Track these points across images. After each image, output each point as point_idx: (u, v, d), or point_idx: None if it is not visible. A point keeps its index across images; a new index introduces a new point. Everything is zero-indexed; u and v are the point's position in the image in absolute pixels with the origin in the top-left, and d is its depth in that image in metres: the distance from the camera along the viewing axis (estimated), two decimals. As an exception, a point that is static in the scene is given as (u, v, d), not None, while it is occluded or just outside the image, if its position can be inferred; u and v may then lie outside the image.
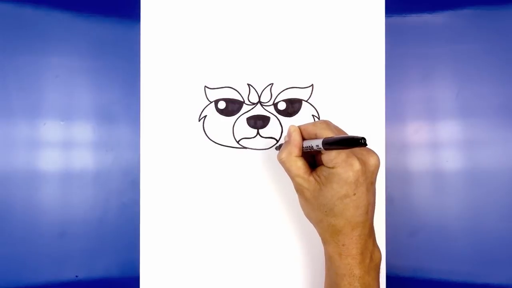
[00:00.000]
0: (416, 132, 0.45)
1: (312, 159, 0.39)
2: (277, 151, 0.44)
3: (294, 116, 0.45)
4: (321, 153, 0.36)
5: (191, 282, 0.45)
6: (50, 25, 0.45)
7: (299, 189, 0.38)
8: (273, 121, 0.45)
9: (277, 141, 0.45)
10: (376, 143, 0.44)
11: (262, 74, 0.45)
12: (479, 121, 0.45)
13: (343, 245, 0.37)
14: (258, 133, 0.45)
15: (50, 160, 0.45)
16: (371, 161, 0.36)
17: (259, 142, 0.45)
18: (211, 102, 0.45)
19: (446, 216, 0.45)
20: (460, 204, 0.45)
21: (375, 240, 0.38)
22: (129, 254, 0.44)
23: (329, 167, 0.36)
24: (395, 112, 0.45)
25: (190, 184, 0.45)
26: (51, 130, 0.45)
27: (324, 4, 0.45)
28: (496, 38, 0.45)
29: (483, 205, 0.45)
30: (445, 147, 0.45)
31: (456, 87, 0.45)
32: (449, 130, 0.45)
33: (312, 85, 0.45)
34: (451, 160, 0.45)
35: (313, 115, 0.45)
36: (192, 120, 0.45)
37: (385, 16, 0.45)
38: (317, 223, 0.39)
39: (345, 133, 0.38)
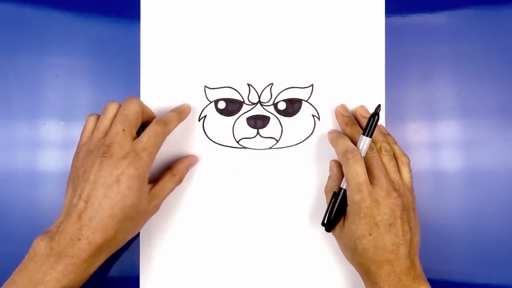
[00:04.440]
0: (416, 132, 0.45)
1: None
2: (276, 151, 0.45)
3: (294, 116, 0.45)
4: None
5: (190, 282, 0.44)
6: (50, 25, 0.45)
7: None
8: (273, 121, 0.45)
9: (277, 141, 0.45)
10: (376, 143, 0.44)
11: (262, 74, 0.45)
12: (479, 121, 0.45)
13: (375, 283, 0.37)
14: (258, 133, 0.45)
15: (50, 160, 0.45)
16: (385, 202, 0.37)
17: (259, 142, 0.45)
18: (211, 102, 0.45)
19: (446, 216, 0.45)
20: (460, 204, 0.45)
21: (420, 277, 0.37)
22: (129, 254, 0.44)
23: (347, 206, 0.38)
24: (395, 112, 0.45)
25: (190, 184, 0.45)
26: (51, 130, 0.45)
27: (324, 4, 0.45)
28: (496, 38, 0.45)
29: (483, 205, 0.45)
30: (445, 147, 0.45)
31: (456, 87, 0.45)
32: (449, 130, 0.45)
33: (312, 85, 0.45)
34: (451, 160, 0.45)
35: (313, 115, 0.45)
36: (192, 120, 0.45)
37: (385, 16, 0.45)
38: (351, 261, 0.40)
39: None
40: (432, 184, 0.45)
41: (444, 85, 0.45)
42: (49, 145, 0.45)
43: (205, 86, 0.45)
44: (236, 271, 0.45)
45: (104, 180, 0.35)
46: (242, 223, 0.45)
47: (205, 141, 0.45)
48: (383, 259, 0.36)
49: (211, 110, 0.45)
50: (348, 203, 0.38)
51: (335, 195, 0.40)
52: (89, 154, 0.37)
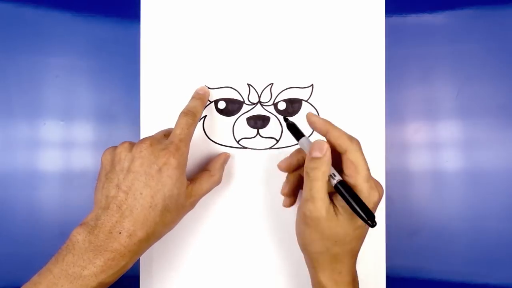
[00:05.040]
0: (416, 132, 0.45)
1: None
2: (276, 151, 0.45)
3: (294, 116, 0.45)
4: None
5: (190, 281, 0.45)
6: (50, 25, 0.45)
7: (312, 216, 0.34)
8: (273, 121, 0.45)
9: (277, 141, 0.45)
10: (376, 143, 0.44)
11: (262, 74, 0.45)
12: (479, 121, 0.45)
13: (339, 272, 0.36)
14: (258, 133, 0.45)
15: (50, 160, 0.45)
16: (373, 195, 0.34)
17: (259, 142, 0.45)
18: (211, 102, 0.45)
19: (446, 216, 0.45)
20: (460, 204, 0.45)
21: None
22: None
23: None
24: (395, 112, 0.45)
25: (190, 184, 0.45)
26: (51, 130, 0.45)
27: (324, 4, 0.45)
28: (496, 38, 0.45)
29: (483, 205, 0.45)
30: (445, 147, 0.45)
31: (456, 87, 0.45)
32: (449, 130, 0.45)
33: (312, 85, 0.45)
34: (451, 160, 0.45)
35: (313, 115, 0.45)
36: (192, 120, 0.45)
37: (385, 16, 0.45)
38: (320, 252, 0.36)
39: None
40: (432, 184, 0.45)
41: (444, 85, 0.45)
42: (49, 145, 0.45)
43: (205, 86, 0.45)
44: (236, 271, 0.45)
45: (145, 169, 0.35)
46: (241, 223, 0.45)
47: (205, 141, 0.45)
48: (358, 249, 0.37)
49: (211, 110, 0.45)
50: (357, 192, 0.34)
51: (342, 186, 0.34)
52: (129, 148, 0.37)
